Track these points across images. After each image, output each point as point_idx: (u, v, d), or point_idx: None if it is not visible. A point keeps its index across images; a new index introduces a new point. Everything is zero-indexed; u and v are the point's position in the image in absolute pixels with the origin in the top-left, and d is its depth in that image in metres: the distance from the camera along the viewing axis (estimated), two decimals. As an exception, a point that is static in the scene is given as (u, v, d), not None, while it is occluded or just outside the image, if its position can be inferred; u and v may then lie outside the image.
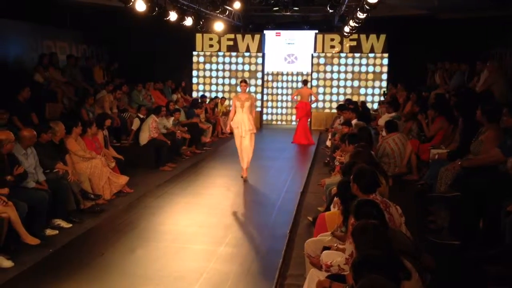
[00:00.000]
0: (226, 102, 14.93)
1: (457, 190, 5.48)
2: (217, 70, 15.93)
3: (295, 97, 13.75)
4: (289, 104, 16.40)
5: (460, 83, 11.27)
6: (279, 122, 16.59)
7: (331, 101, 15.40)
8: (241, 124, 8.67)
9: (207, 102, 14.07)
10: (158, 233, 6.20)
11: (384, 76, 15.09)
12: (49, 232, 5.87)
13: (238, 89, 15.68)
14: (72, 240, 5.78)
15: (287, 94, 16.36)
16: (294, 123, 15.50)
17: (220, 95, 15.54)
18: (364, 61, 15.16)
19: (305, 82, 13.68)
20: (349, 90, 15.31)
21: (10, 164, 5.62)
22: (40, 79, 10.46)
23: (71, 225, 6.20)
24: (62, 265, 5.11)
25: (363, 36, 14.97)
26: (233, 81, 15.84)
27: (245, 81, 9.04)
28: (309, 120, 14.04)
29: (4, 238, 5.11)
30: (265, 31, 15.98)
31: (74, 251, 5.53)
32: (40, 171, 6.15)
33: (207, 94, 15.41)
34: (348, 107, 10.71)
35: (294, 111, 15.10)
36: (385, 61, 15.04)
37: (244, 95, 8.83)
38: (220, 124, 13.82)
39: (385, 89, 14.85)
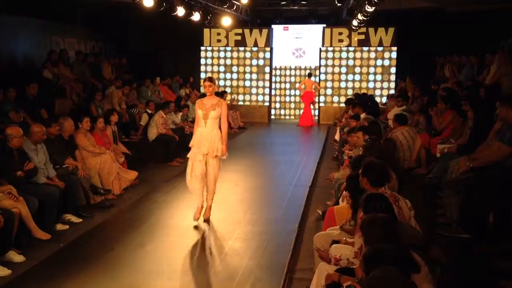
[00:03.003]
0: (228, 97, 14.89)
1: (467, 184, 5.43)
2: (225, 65, 15.92)
3: (302, 86, 15.12)
4: (297, 99, 16.36)
5: (470, 76, 11.17)
6: (287, 117, 16.56)
7: (339, 95, 15.33)
8: (202, 143, 6.12)
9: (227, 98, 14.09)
10: (167, 228, 6.22)
11: (393, 70, 15.00)
12: (59, 227, 5.92)
13: (247, 83, 15.74)
14: (82, 235, 5.83)
15: (295, 89, 16.33)
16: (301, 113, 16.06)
17: (228, 90, 15.53)
18: (372, 54, 15.07)
19: (309, 75, 15.24)
20: (357, 84, 15.23)
21: (20, 160, 5.68)
22: (49, 76, 10.53)
23: (81, 220, 6.25)
24: (72, 259, 5.16)
25: (371, 30, 14.87)
26: (241, 76, 15.82)
27: (210, 79, 6.26)
28: (311, 104, 15.36)
29: (16, 233, 5.16)
30: (273, 26, 15.93)
31: (84, 246, 5.57)
32: (50, 167, 6.21)
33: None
34: (356, 102, 10.69)
35: (302, 105, 15.79)
36: (394, 55, 14.94)
37: (210, 100, 6.18)
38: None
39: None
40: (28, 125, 6.86)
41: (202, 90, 15.56)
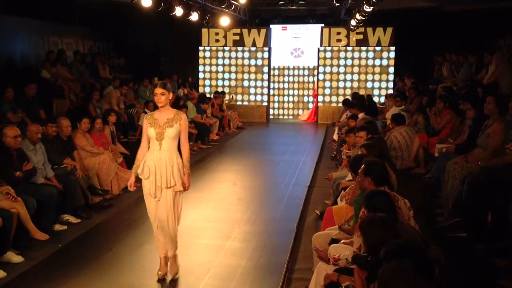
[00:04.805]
0: (226, 97, 14.88)
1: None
2: (223, 65, 15.91)
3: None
4: (296, 99, 16.39)
5: (468, 75, 11.19)
6: (285, 117, 16.56)
7: (337, 94, 15.33)
8: (157, 172, 4.54)
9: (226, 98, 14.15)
10: (166, 228, 6.21)
11: (391, 70, 15.01)
12: (58, 227, 5.91)
13: (245, 83, 15.74)
14: (81, 235, 5.82)
15: (293, 89, 16.34)
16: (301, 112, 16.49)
17: (226, 90, 15.54)
18: (370, 54, 15.07)
19: None
20: (355, 84, 15.24)
21: (19, 160, 5.67)
22: (47, 76, 10.53)
23: (79, 220, 6.24)
24: (71, 260, 5.15)
25: (369, 29, 14.87)
26: (240, 76, 15.82)
27: (164, 85, 4.60)
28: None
29: (14, 233, 5.15)
30: (271, 26, 15.92)
31: (82, 246, 5.57)
32: (48, 167, 6.20)
33: (213, 89, 15.46)
34: (354, 103, 10.69)
35: (300, 105, 16.38)
36: (392, 54, 14.94)
37: (165, 113, 4.60)
38: (227, 119, 13.85)
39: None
40: (26, 125, 6.85)
41: (200, 90, 15.65)
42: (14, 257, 4.97)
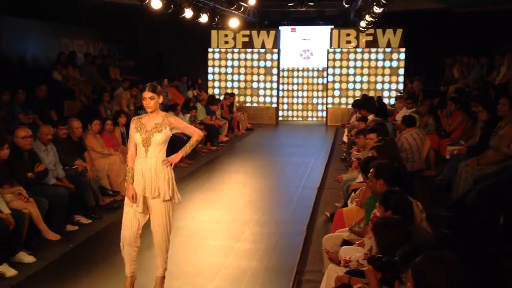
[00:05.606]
0: (236, 99, 14.90)
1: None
2: (232, 66, 15.93)
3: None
4: (305, 100, 16.37)
5: (479, 77, 11.11)
6: (295, 118, 16.55)
7: (347, 96, 15.28)
8: (142, 180, 4.23)
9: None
10: (175, 229, 6.14)
11: (401, 71, 14.94)
12: (69, 228, 5.94)
13: (254, 85, 15.76)
14: (92, 236, 5.85)
15: (302, 90, 16.32)
16: (310, 119, 16.41)
17: (236, 91, 15.55)
18: (380, 56, 15.02)
19: None
20: (365, 86, 15.18)
21: (31, 161, 5.72)
22: (58, 77, 10.61)
23: (90, 221, 6.27)
24: (81, 260, 5.18)
25: (379, 31, 14.82)
26: (249, 78, 15.83)
27: (153, 89, 4.20)
28: None
29: (26, 233, 5.19)
30: (280, 27, 15.93)
31: (93, 247, 5.60)
32: (60, 168, 6.25)
33: (222, 91, 15.49)
34: (362, 104, 10.65)
35: (309, 107, 16.38)
36: (402, 56, 14.88)
37: (152, 118, 4.26)
38: (236, 120, 13.87)
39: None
40: (37, 126, 6.91)
41: (210, 92, 15.67)
42: (26, 257, 5.00)
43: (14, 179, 5.45)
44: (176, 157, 4.29)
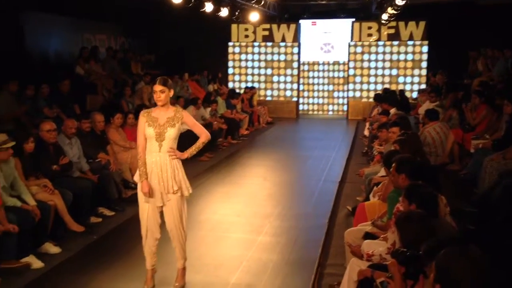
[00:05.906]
0: (256, 93, 14.90)
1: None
2: (252, 60, 15.92)
3: None
4: (326, 94, 16.28)
5: (504, 70, 10.89)
6: (315, 112, 16.47)
7: (368, 90, 15.14)
8: (158, 176, 4.19)
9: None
10: (196, 222, 6.26)
11: (424, 64, 14.72)
12: (93, 219, 6.03)
13: (275, 78, 15.72)
14: (115, 228, 5.93)
15: (323, 84, 16.22)
16: (330, 112, 16.32)
17: (256, 85, 15.54)
18: (402, 49, 14.81)
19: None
20: (387, 79, 15.02)
21: (55, 154, 5.82)
22: (81, 72, 10.74)
23: (113, 213, 6.36)
24: (104, 252, 5.26)
25: (401, 24, 14.62)
26: (269, 71, 15.80)
27: (164, 82, 4.23)
28: None
29: (51, 225, 5.30)
30: (300, 21, 15.83)
31: (116, 239, 5.67)
32: (83, 161, 6.35)
33: (243, 84, 15.50)
34: (383, 97, 10.54)
35: (330, 100, 16.33)
36: (425, 49, 14.65)
37: (164, 112, 4.25)
38: (257, 114, 13.87)
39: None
40: (61, 120, 7.01)
41: (230, 85, 15.69)
42: (52, 248, 5.10)
43: (40, 171, 5.56)
44: (182, 155, 4.26)
